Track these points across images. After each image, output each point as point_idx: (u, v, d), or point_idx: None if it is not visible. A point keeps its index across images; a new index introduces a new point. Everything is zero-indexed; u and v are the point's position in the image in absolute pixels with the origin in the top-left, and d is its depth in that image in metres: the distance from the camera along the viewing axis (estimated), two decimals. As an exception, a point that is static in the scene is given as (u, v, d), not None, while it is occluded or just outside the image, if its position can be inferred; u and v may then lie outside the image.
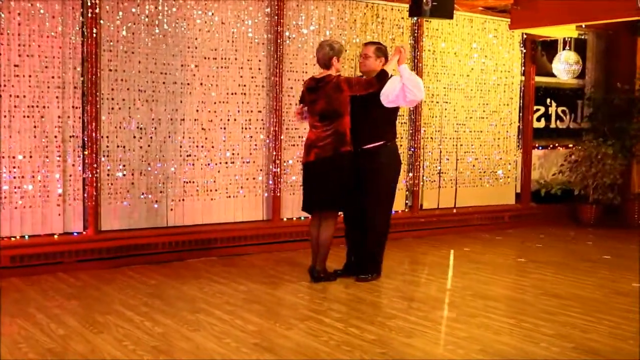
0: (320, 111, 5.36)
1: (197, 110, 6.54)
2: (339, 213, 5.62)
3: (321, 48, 5.44)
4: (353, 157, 5.42)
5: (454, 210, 8.23)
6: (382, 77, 5.37)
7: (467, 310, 4.88)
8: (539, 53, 8.90)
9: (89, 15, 5.87)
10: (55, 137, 5.88)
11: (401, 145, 7.72)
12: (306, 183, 5.51)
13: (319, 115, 5.39)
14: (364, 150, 5.52)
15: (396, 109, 5.66)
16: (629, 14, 6.82)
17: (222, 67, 6.64)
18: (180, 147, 6.47)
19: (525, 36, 8.66)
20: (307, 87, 5.53)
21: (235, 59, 6.71)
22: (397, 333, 4.32)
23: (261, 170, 6.93)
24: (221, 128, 6.68)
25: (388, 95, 5.48)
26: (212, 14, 6.54)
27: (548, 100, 9.21)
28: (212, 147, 6.64)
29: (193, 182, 6.56)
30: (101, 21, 5.96)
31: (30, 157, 5.79)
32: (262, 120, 6.90)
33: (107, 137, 6.12)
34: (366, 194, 5.54)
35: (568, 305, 5.04)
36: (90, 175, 5.97)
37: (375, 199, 5.57)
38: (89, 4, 5.87)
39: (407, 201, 7.90)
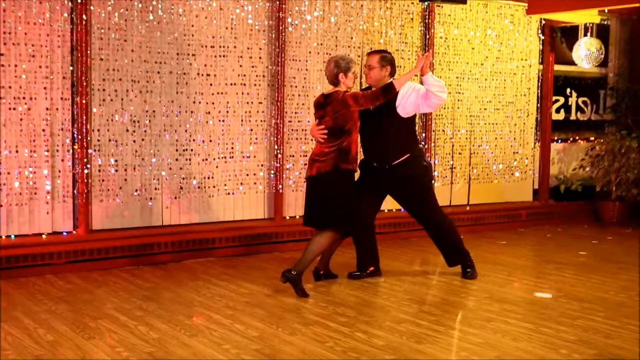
0: (327, 128, 5.39)
1: (194, 102, 6.53)
2: (341, 233, 5.52)
3: (327, 64, 5.47)
4: (353, 176, 5.49)
5: (467, 208, 8.21)
6: (389, 91, 5.34)
7: (482, 314, 4.87)
8: (558, 40, 8.86)
9: (79, 0, 5.86)
10: (43, 130, 5.87)
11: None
12: (307, 197, 5.56)
13: (326, 133, 5.41)
14: (394, 166, 5.63)
15: (413, 117, 5.75)
16: (655, -3, 6.79)
17: (220, 56, 6.62)
18: (177, 141, 6.46)
19: (543, 22, 8.62)
20: (316, 103, 5.57)
21: (235, 47, 6.70)
22: (407, 338, 4.31)
23: (262, 165, 6.92)
24: (220, 120, 6.67)
25: (406, 107, 5.55)
26: (210, -1, 6.54)
27: (568, 91, 9.18)
28: (210, 140, 6.63)
29: (190, 178, 6.55)
30: (91, 7, 5.95)
31: (17, 152, 5.78)
32: (263, 112, 6.89)
33: (99, 130, 6.11)
34: (414, 204, 5.81)
35: (590, 309, 5.02)
36: (80, 171, 5.96)
37: (425, 204, 5.80)
38: (78, -12, 5.87)
39: (417, 198, 7.87)
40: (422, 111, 5.84)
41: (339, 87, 5.43)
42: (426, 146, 7.80)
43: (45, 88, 5.85)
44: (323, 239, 5.43)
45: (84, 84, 5.92)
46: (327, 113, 5.39)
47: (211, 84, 6.60)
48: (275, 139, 6.89)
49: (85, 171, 5.97)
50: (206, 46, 6.54)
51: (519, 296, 5.42)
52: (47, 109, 5.87)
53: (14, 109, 5.75)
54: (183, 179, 6.52)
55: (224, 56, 6.65)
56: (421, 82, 5.55)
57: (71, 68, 5.94)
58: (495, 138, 8.45)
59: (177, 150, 6.47)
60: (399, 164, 5.63)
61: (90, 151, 6.02)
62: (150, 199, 6.37)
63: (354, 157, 5.44)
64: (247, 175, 6.85)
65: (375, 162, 5.68)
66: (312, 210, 5.48)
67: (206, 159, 6.62)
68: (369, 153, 5.72)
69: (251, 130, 6.84)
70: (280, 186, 6.92)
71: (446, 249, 5.94)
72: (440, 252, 5.98)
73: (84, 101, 5.93)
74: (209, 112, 6.60)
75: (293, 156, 7.03)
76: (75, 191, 6.00)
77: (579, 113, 9.31)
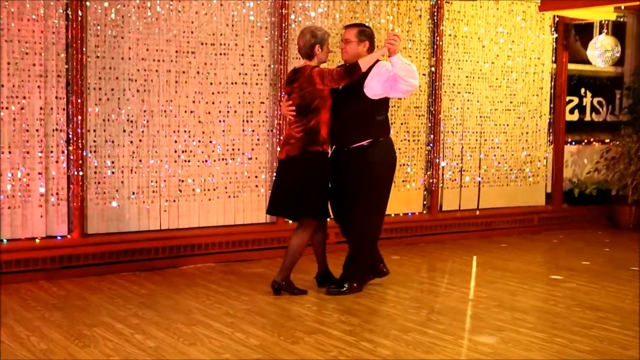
0: (294, 105, 5.31)
1: (194, 102, 6.54)
2: (316, 222, 5.45)
3: (302, 35, 5.35)
4: (325, 159, 5.35)
5: (477, 212, 8.20)
6: (353, 71, 5.15)
7: (492, 323, 4.86)
8: (572, 38, 8.86)
9: (74, -4, 5.89)
10: (37, 131, 5.88)
11: (418, 140, 7.72)
12: (273, 183, 5.51)
13: (294, 111, 5.33)
14: (351, 149, 5.41)
15: (384, 101, 5.50)
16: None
17: (221, 54, 6.63)
18: (175, 142, 6.47)
19: (557, 19, 8.62)
20: (287, 78, 5.50)
21: (236, 44, 6.71)
22: (415, 348, 4.31)
23: (264, 167, 6.93)
24: (220, 121, 6.68)
25: (373, 88, 5.36)
26: (210, -6, 6.55)
27: (582, 90, 9.17)
28: (210, 142, 6.64)
29: (189, 180, 6.56)
30: (87, 3, 5.96)
31: (10, 153, 5.79)
32: (265, 112, 6.90)
33: (94, 131, 6.12)
34: (353, 197, 5.42)
35: (605, 318, 5.01)
36: (75, 173, 5.97)
37: (363, 203, 5.43)
38: (74, -17, 5.88)
39: (425, 202, 7.88)
40: (392, 96, 5.50)
41: (312, 61, 5.33)
42: (434, 148, 7.79)
43: (39, 87, 5.87)
44: (299, 237, 5.37)
45: (79, 82, 5.93)
46: (294, 89, 5.30)
47: (211, 83, 6.61)
48: (277, 140, 6.89)
49: (81, 173, 5.98)
50: (206, 44, 6.56)
51: (530, 304, 5.41)
52: (41, 108, 5.89)
53: (7, 108, 5.76)
54: (182, 181, 6.52)
55: (224, 54, 6.66)
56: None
57: (66, 66, 5.95)
58: (507, 140, 8.45)
59: (175, 151, 6.48)
60: (358, 147, 5.38)
61: (85, 152, 6.03)
62: (148, 202, 6.38)
63: (324, 138, 5.29)
64: (249, 177, 6.86)
65: (335, 143, 5.45)
66: (279, 198, 5.38)
67: (206, 161, 6.63)
68: (330, 133, 5.41)
69: (252, 131, 6.85)
70: (283, 189, 6.92)
71: (348, 265, 5.56)
72: (344, 266, 5.60)
73: (79, 100, 5.94)
74: (209, 112, 6.61)
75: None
76: (70, 194, 6.01)
77: (593, 114, 9.31)
